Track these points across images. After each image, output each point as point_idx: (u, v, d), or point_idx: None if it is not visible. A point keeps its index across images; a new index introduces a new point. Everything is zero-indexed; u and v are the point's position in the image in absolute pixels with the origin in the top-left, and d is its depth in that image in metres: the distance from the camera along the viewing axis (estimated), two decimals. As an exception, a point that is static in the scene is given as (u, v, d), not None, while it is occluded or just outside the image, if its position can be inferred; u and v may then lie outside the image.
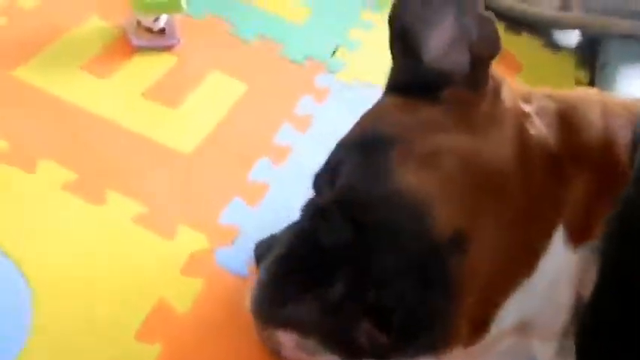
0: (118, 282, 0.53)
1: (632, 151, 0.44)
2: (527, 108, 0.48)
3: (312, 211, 0.48)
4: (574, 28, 1.07)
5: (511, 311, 0.44)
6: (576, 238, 0.43)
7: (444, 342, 0.43)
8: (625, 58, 0.98)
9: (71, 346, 0.48)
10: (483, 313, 0.43)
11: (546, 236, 0.43)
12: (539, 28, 1.07)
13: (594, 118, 0.46)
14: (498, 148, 0.45)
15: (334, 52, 0.86)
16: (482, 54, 0.47)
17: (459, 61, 0.48)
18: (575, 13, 1.04)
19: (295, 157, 0.69)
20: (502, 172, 0.44)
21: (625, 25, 1.02)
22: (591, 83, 0.99)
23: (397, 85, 0.51)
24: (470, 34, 0.47)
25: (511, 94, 0.48)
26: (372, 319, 0.42)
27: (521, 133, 0.46)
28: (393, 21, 0.50)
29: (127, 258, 0.55)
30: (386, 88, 0.53)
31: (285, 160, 0.68)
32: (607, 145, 0.45)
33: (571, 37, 1.12)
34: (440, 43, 0.49)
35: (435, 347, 0.44)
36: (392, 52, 0.52)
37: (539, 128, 0.46)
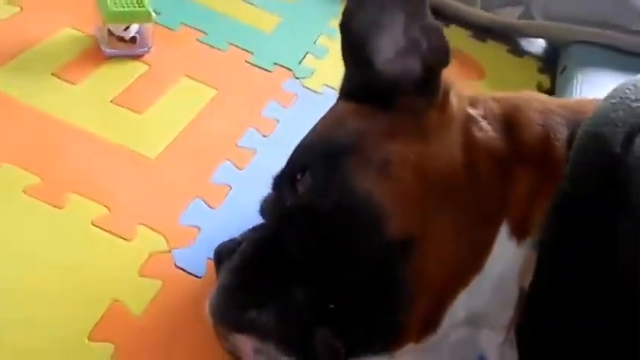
0: (73, 283, 0.51)
1: (568, 148, 0.43)
2: (473, 112, 0.47)
3: (275, 216, 0.46)
4: (536, 35, 1.05)
5: (460, 308, 0.43)
6: (519, 233, 0.43)
7: (396, 343, 0.43)
8: (584, 62, 0.97)
9: (22, 345, 0.46)
10: (434, 311, 0.43)
11: (493, 234, 0.43)
12: (504, 35, 1.06)
13: (534, 117, 0.46)
14: (448, 153, 0.44)
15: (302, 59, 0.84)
16: (433, 63, 0.46)
17: (411, 68, 0.47)
18: (538, 21, 1.02)
19: (258, 160, 0.67)
20: (451, 176, 0.43)
21: (586, 32, 1.00)
22: (553, 87, 0.98)
23: (351, 92, 0.50)
24: (420, 43, 0.46)
25: (459, 99, 0.48)
26: (329, 325, 0.41)
27: (469, 136, 0.45)
28: (345, 28, 0.49)
29: (84, 259, 0.53)
30: (340, 94, 0.52)
31: (248, 164, 0.66)
32: (545, 142, 0.44)
33: (535, 44, 1.10)
34: (391, 50, 0.48)
35: (387, 348, 0.43)
36: (344, 59, 0.50)
37: (486, 130, 0.45)
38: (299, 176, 0.45)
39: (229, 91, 0.75)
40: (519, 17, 1.03)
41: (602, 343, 0.40)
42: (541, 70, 1.03)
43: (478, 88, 0.92)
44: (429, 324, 0.43)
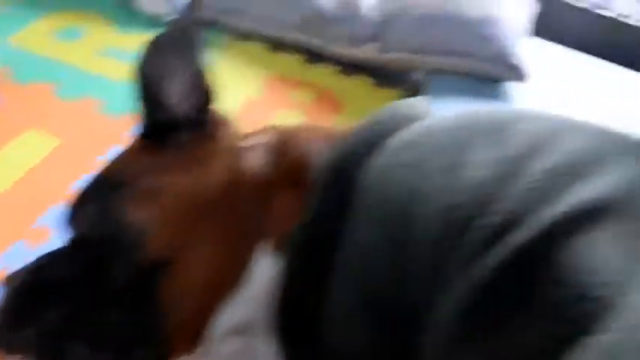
0: None
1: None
2: (246, 142, 0.54)
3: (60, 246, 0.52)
4: (396, 68, 1.14)
5: (225, 319, 0.48)
6: (278, 249, 0.49)
7: (161, 355, 0.48)
8: (440, 90, 1.06)
9: None
10: (196, 324, 0.48)
11: (252, 251, 0.49)
12: (372, 70, 1.15)
13: (301, 145, 0.52)
14: (213, 180, 0.51)
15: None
16: (201, 103, 0.54)
17: (186, 108, 0.54)
18: (395, 55, 1.11)
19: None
20: (214, 200, 0.49)
21: (440, 61, 1.10)
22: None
23: (143, 130, 0.57)
24: (192, 86, 0.54)
25: (229, 134, 0.55)
26: (91, 341, 0.47)
27: (235, 164, 0.52)
28: (137, 74, 0.56)
29: None
30: (137, 134, 0.59)
31: (78, 206, 0.73)
32: (305, 166, 0.51)
33: (412, 75, 1.19)
34: (171, 94, 0.55)
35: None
36: (138, 101, 0.57)
37: (252, 160, 0.52)
38: (81, 209, 0.51)
39: (74, 140, 0.82)
40: (380, 52, 1.12)
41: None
42: (408, 101, 1.11)
43: (335, 121, 1.01)
44: (194, 336, 0.48)
